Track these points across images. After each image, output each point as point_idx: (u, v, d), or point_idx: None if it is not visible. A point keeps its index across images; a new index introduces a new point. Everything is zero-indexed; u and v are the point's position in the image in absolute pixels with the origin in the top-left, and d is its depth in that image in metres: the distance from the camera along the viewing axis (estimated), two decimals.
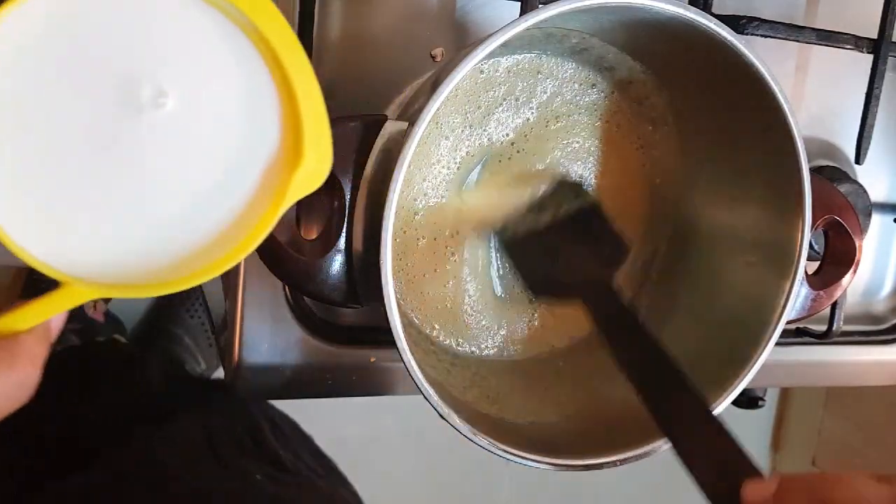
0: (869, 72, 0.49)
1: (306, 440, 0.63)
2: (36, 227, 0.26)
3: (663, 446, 0.38)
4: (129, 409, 0.57)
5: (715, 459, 0.29)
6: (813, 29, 0.48)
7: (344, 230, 0.36)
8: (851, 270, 0.44)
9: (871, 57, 0.49)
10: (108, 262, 0.27)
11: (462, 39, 0.45)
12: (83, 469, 0.48)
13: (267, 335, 0.44)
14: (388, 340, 0.33)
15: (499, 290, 0.44)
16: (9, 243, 0.25)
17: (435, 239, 0.43)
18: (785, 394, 1.49)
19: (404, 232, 0.42)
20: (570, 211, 0.41)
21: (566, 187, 0.42)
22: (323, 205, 0.41)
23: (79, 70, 0.26)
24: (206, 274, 0.28)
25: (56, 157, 0.26)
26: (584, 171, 0.45)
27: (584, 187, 0.43)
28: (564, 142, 0.44)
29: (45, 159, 0.26)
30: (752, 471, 0.28)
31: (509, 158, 0.43)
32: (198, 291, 0.96)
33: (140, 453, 0.51)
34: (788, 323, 0.41)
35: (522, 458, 0.36)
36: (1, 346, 0.25)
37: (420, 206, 0.42)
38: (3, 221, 0.25)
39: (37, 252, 0.26)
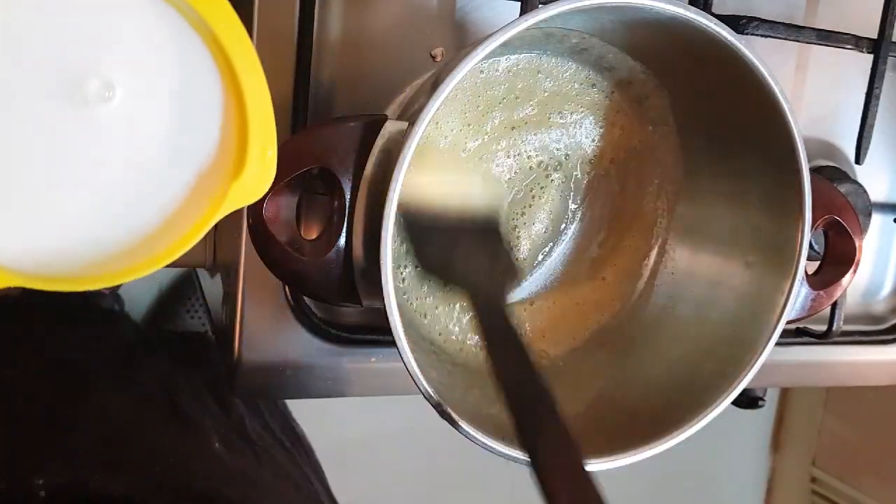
0: (869, 72, 0.49)
1: (278, 411, 0.63)
2: None
3: (663, 447, 0.38)
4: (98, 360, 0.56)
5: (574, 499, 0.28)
6: (813, 29, 0.48)
7: (344, 230, 0.36)
8: (851, 270, 0.44)
9: (871, 57, 0.49)
10: (29, 251, 0.27)
11: (462, 39, 0.45)
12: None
13: (267, 335, 0.44)
14: (388, 340, 0.33)
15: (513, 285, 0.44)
16: None
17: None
18: (785, 394, 1.49)
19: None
20: (476, 219, 0.40)
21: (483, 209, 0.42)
22: (323, 205, 0.41)
23: (22, 61, 0.26)
24: (126, 275, 0.28)
25: None
26: (580, 172, 0.45)
27: (498, 214, 0.43)
28: (564, 142, 0.44)
29: None
30: None
31: (508, 158, 0.43)
32: (198, 291, 0.96)
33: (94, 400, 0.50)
34: (788, 323, 0.41)
35: (522, 458, 0.36)
36: None
37: None
38: None
39: None
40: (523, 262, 0.45)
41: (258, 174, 0.29)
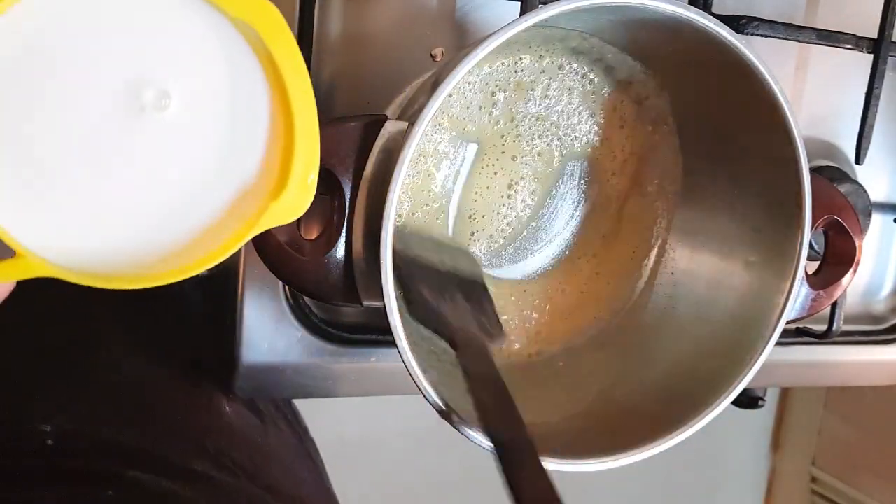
0: (869, 72, 0.49)
1: None
2: (11, 202, 0.26)
3: (663, 447, 0.38)
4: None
5: None
6: (813, 29, 0.48)
7: (344, 230, 0.36)
8: (851, 270, 0.44)
9: (871, 57, 0.49)
10: (76, 248, 0.27)
11: (462, 39, 0.45)
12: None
13: (267, 335, 0.44)
14: (388, 340, 0.33)
15: (513, 285, 0.44)
16: None
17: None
18: (785, 394, 1.49)
19: (404, 228, 0.42)
20: (466, 275, 0.41)
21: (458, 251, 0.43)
22: (323, 205, 0.41)
23: (80, 67, 0.26)
24: (162, 279, 0.28)
25: (48, 146, 0.26)
26: (581, 171, 0.45)
27: (474, 261, 0.43)
28: (564, 142, 0.44)
29: (38, 147, 0.26)
30: None
31: (507, 158, 0.43)
32: None
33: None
34: (788, 323, 0.41)
35: None
36: None
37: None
38: None
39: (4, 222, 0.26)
40: (523, 260, 0.45)
41: (297, 197, 0.30)
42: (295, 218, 0.30)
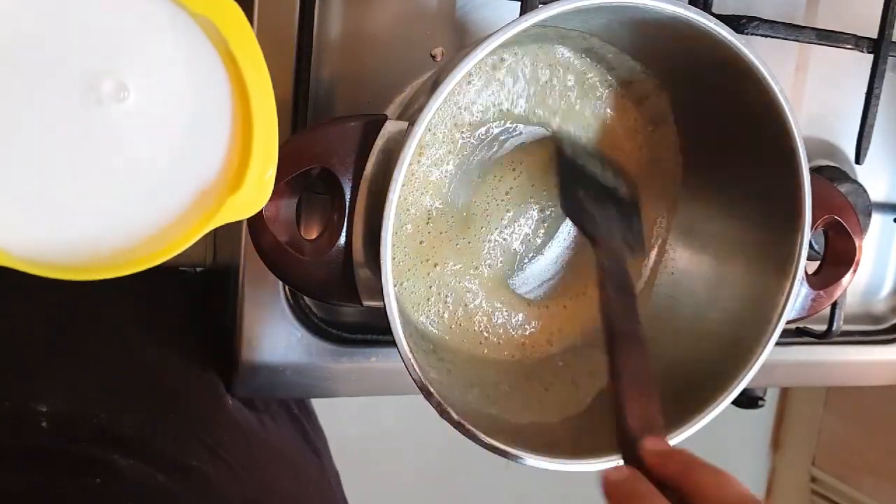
0: (869, 72, 0.49)
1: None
2: None
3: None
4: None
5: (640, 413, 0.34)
6: (813, 29, 0.48)
7: (344, 230, 0.36)
8: (851, 270, 0.44)
9: (871, 57, 0.49)
10: (37, 239, 0.28)
11: (462, 39, 0.45)
12: None
13: (267, 335, 0.44)
14: (388, 340, 0.33)
15: (513, 285, 0.44)
16: None
17: (437, 236, 0.43)
18: (785, 394, 1.49)
19: (404, 227, 0.42)
20: (625, 196, 0.45)
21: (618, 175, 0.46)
22: (323, 205, 0.41)
23: (36, 58, 0.26)
24: (122, 270, 0.28)
25: (4, 136, 0.26)
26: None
27: (636, 188, 0.46)
28: (564, 141, 0.44)
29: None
30: (658, 430, 0.33)
31: (505, 157, 0.43)
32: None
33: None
34: (788, 323, 0.41)
35: (522, 458, 0.36)
36: None
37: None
38: None
39: None
40: (524, 259, 0.45)
41: (255, 193, 0.30)
42: (252, 213, 0.30)
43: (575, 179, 0.43)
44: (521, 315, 0.45)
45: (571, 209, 0.42)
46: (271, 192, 0.30)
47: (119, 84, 0.27)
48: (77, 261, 0.28)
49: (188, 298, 0.55)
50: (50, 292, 0.48)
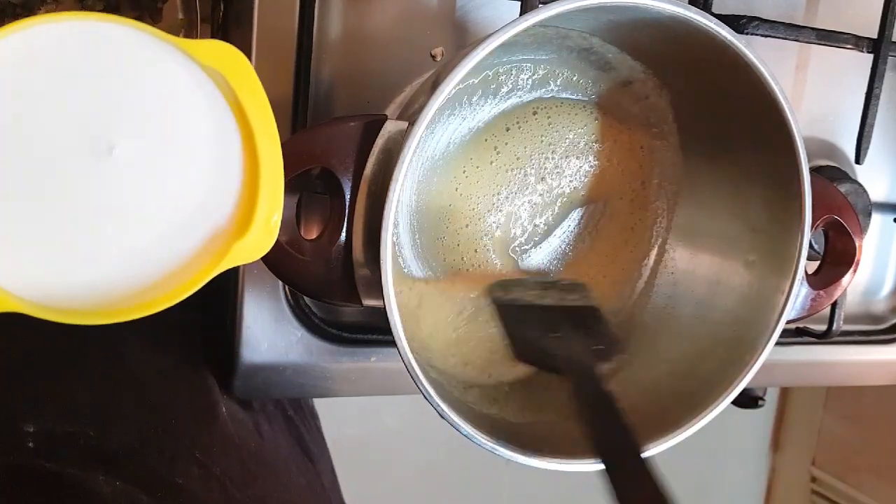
0: (869, 72, 0.49)
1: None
2: None
3: (663, 447, 0.38)
4: None
5: None
6: (813, 28, 0.48)
7: (344, 230, 0.36)
8: (851, 270, 0.44)
9: (871, 57, 0.49)
10: (46, 284, 0.28)
11: (462, 39, 0.45)
12: None
13: (267, 335, 0.44)
14: (388, 340, 0.33)
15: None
16: None
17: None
18: (785, 394, 1.49)
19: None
20: (572, 304, 0.43)
21: (567, 286, 0.44)
22: (323, 205, 0.41)
23: (50, 108, 0.27)
24: (127, 314, 0.29)
25: (17, 184, 0.27)
26: (584, 170, 0.45)
27: (585, 290, 0.45)
28: (564, 141, 0.44)
29: (7, 183, 0.27)
30: None
31: (506, 157, 0.43)
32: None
33: None
34: (788, 323, 0.41)
35: (522, 458, 0.36)
36: None
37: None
38: None
39: None
40: (526, 257, 0.45)
41: (261, 238, 0.30)
42: (257, 258, 0.31)
43: (519, 319, 0.41)
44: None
45: (523, 354, 0.40)
46: (276, 236, 0.31)
47: (133, 137, 0.28)
48: (89, 305, 0.29)
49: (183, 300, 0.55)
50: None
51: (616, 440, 0.33)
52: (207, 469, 0.43)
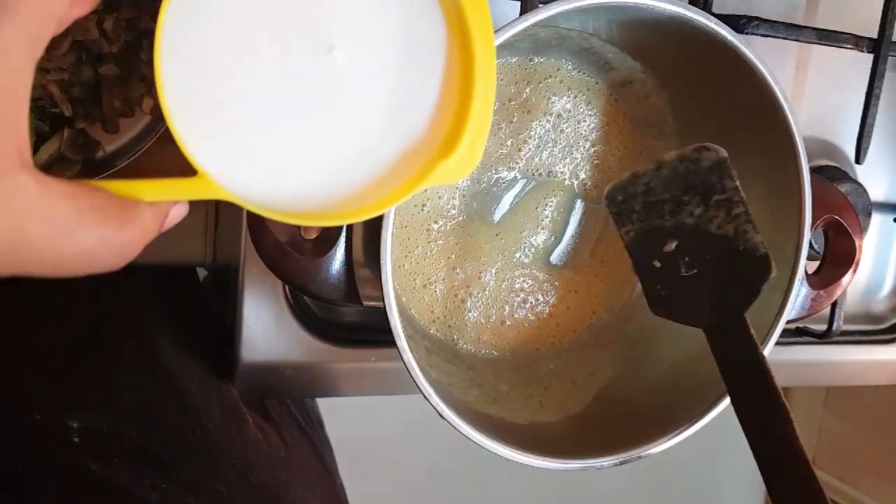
0: (869, 72, 0.49)
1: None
2: (202, 132, 0.26)
3: (663, 447, 0.38)
4: None
5: None
6: (813, 28, 0.48)
7: (344, 230, 0.36)
8: (851, 270, 0.44)
9: (871, 57, 0.49)
10: (247, 177, 0.28)
11: None
12: None
13: (267, 335, 0.44)
14: (388, 340, 0.33)
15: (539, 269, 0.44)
16: (174, 132, 0.25)
17: (437, 240, 0.43)
18: (785, 394, 1.49)
19: (404, 227, 0.42)
20: (714, 219, 0.36)
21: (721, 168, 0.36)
22: None
23: (269, 17, 0.27)
24: (332, 220, 0.29)
25: (240, 85, 0.27)
26: (583, 170, 0.45)
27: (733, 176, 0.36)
28: (563, 141, 0.44)
29: (231, 83, 0.27)
30: None
31: (508, 158, 0.43)
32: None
33: None
34: (788, 322, 0.41)
35: (522, 458, 0.36)
36: (121, 206, 0.25)
37: (427, 204, 0.42)
38: (177, 121, 0.25)
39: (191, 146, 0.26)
40: (526, 256, 0.45)
41: (465, 160, 0.29)
42: (458, 179, 0.30)
43: (647, 253, 0.35)
44: (521, 314, 0.45)
45: (658, 306, 0.36)
46: (479, 161, 0.29)
47: (351, 38, 0.27)
48: (304, 208, 0.28)
49: (197, 303, 0.55)
50: (71, 300, 0.47)
51: (763, 412, 0.31)
52: (245, 476, 0.43)
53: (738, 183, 0.35)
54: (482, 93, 0.29)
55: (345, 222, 0.29)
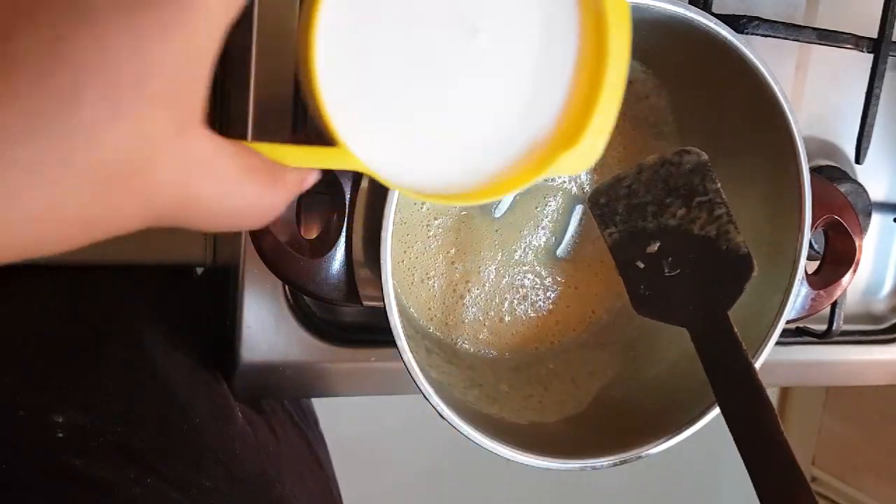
0: (869, 72, 0.49)
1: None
2: (349, 111, 0.27)
3: (663, 447, 0.38)
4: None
5: None
6: (813, 28, 0.48)
7: (344, 230, 0.36)
8: (851, 270, 0.44)
9: (871, 57, 0.49)
10: (382, 153, 0.28)
11: None
12: None
13: (267, 335, 0.44)
14: (388, 340, 0.33)
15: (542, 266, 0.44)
16: (321, 103, 0.26)
17: (437, 235, 0.43)
18: (785, 394, 1.49)
19: (404, 223, 0.42)
20: (697, 221, 0.37)
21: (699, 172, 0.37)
22: (323, 205, 0.41)
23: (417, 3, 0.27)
24: (459, 199, 0.29)
25: (388, 64, 0.27)
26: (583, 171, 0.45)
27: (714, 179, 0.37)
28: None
29: (379, 61, 0.27)
30: None
31: None
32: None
33: None
34: (788, 322, 0.41)
35: (522, 458, 0.36)
36: (272, 168, 0.26)
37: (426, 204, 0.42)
38: (326, 94, 0.26)
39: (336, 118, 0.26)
40: (526, 255, 0.45)
41: (588, 151, 0.29)
42: (579, 172, 0.30)
43: (630, 254, 0.36)
44: (520, 311, 0.45)
45: (642, 307, 0.36)
46: (600, 156, 0.29)
47: (494, 21, 0.27)
48: (436, 187, 0.28)
49: (191, 299, 0.55)
50: (59, 297, 0.48)
51: (748, 411, 0.31)
52: (231, 471, 0.43)
53: (719, 185, 0.36)
54: (612, 83, 0.28)
55: (465, 203, 0.29)
